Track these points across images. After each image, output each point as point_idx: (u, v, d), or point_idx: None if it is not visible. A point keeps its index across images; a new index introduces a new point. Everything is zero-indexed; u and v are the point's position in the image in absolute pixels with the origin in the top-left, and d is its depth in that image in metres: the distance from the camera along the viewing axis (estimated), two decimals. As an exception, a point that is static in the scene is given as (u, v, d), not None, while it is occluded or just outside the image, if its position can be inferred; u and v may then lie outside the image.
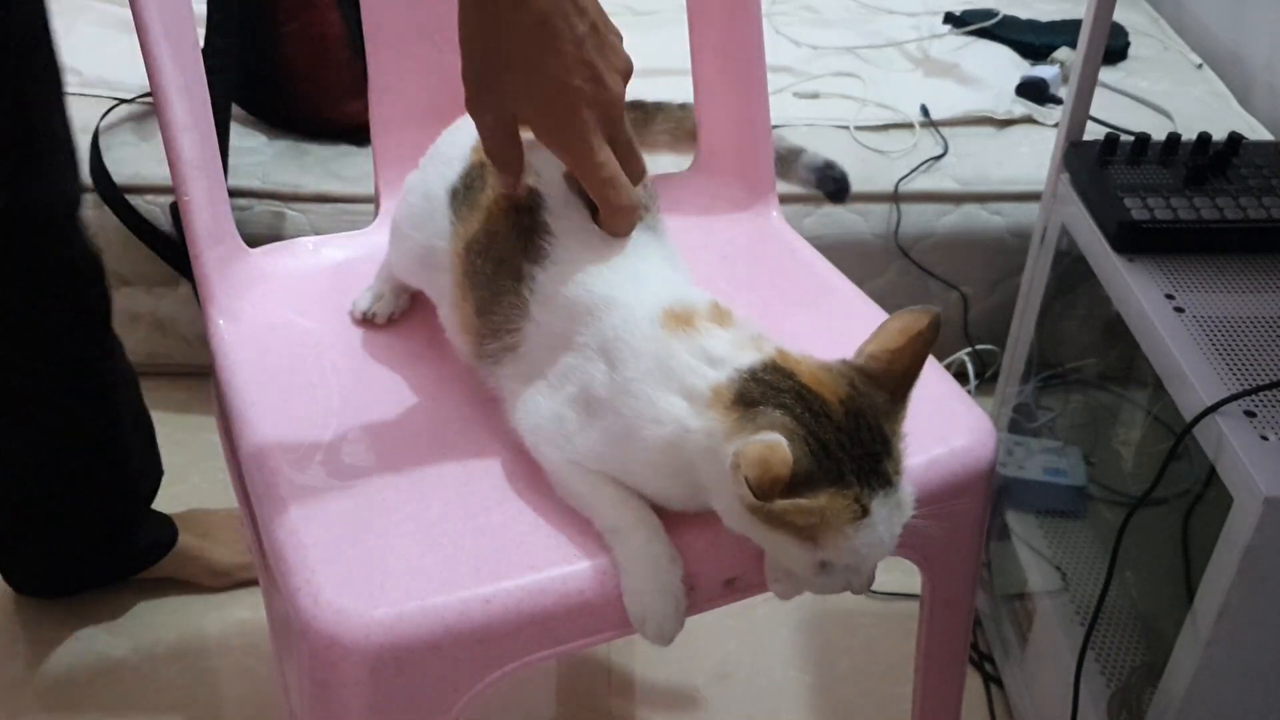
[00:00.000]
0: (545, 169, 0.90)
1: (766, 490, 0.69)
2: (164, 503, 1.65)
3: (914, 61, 2.11)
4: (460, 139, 0.99)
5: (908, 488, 0.76)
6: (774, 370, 0.76)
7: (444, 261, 0.94)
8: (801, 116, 1.90)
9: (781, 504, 0.70)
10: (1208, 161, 1.22)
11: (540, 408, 0.86)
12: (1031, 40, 2.11)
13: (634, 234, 0.89)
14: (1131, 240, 1.15)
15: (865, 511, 0.72)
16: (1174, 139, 1.25)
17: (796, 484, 0.70)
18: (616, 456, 0.82)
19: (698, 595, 0.83)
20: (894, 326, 0.79)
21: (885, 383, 0.77)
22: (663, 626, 0.80)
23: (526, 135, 0.86)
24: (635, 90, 2.10)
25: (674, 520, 0.83)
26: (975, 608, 1.10)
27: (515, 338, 0.88)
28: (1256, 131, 1.89)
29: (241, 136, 1.81)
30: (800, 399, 0.74)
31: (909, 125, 1.89)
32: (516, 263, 0.87)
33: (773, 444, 0.69)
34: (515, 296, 0.87)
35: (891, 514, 0.73)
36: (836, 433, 0.73)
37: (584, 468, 0.84)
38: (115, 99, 1.82)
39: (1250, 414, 0.95)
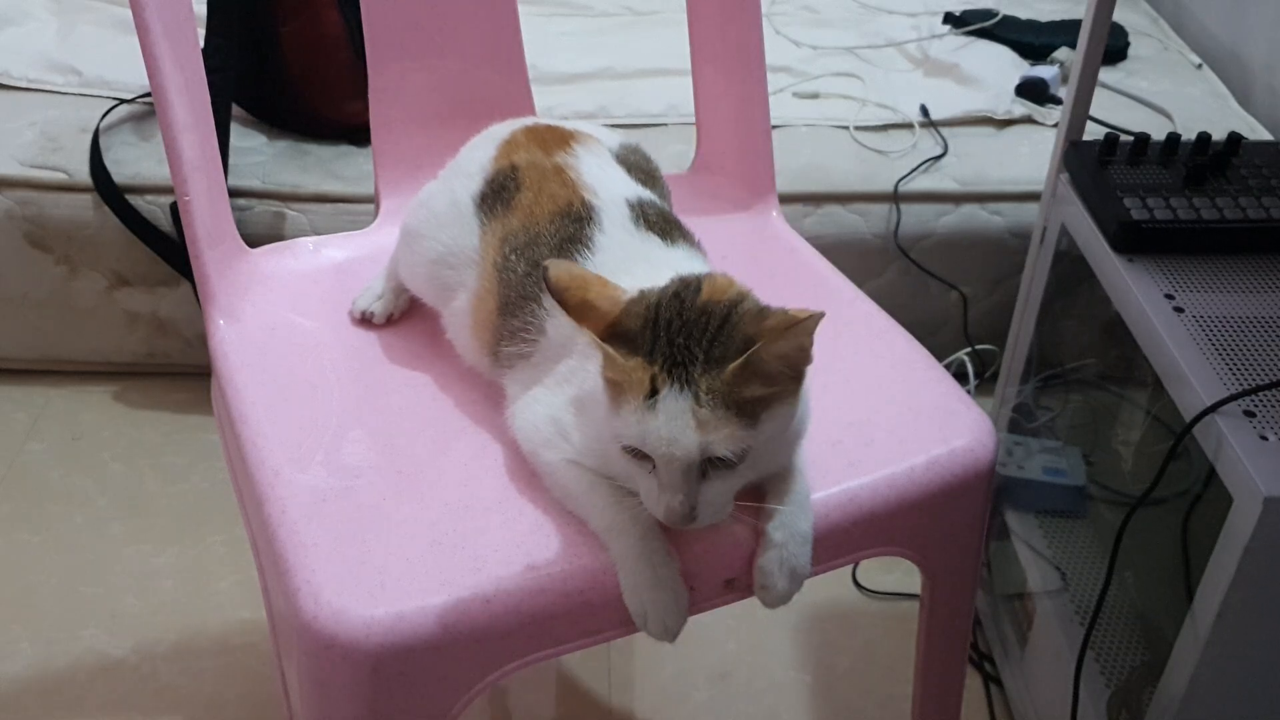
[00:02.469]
0: (605, 189, 0.92)
1: (554, 281, 0.75)
2: (165, 503, 1.66)
3: (914, 61, 2.10)
4: (479, 155, 1.02)
5: (721, 414, 0.73)
6: (685, 281, 0.80)
7: (468, 259, 0.96)
8: (801, 116, 1.90)
9: (596, 340, 0.74)
10: (1207, 161, 1.22)
11: (536, 412, 0.88)
12: (1031, 40, 2.11)
13: (671, 250, 0.91)
14: (1131, 240, 1.15)
15: (654, 391, 0.73)
16: (1174, 139, 1.25)
17: (618, 337, 0.75)
18: (608, 448, 0.82)
19: (697, 595, 0.83)
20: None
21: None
22: (665, 622, 0.80)
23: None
24: (637, 90, 2.11)
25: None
26: (975, 608, 1.10)
27: (531, 347, 0.90)
28: (1256, 131, 1.89)
29: (241, 136, 1.81)
30: (679, 289, 0.78)
31: (909, 125, 1.89)
32: None
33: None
34: (539, 306, 0.89)
35: (678, 416, 0.73)
36: (678, 316, 0.76)
37: (579, 468, 0.84)
38: (115, 99, 1.82)
39: (1250, 414, 0.95)
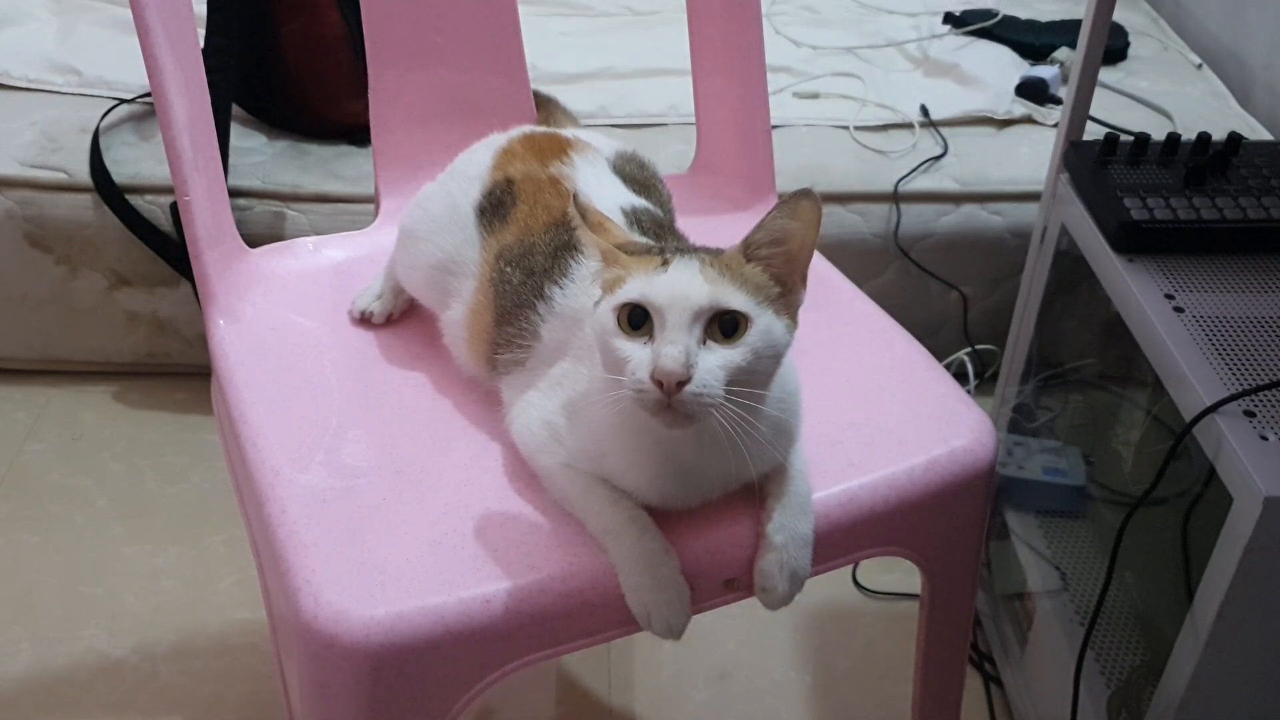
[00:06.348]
0: (600, 198, 0.92)
1: (580, 201, 0.80)
2: (165, 503, 1.66)
3: (914, 61, 2.10)
4: (477, 159, 1.02)
5: (727, 278, 0.76)
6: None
7: (467, 269, 0.96)
8: (801, 116, 1.90)
9: (606, 245, 0.79)
10: (1207, 161, 1.22)
11: (531, 417, 0.88)
12: (1031, 40, 2.11)
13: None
14: (1131, 240, 1.15)
15: (664, 264, 0.77)
16: (1174, 139, 1.25)
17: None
18: (600, 449, 0.83)
19: (698, 595, 0.83)
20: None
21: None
22: (669, 620, 0.80)
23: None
24: (637, 90, 2.11)
25: (672, 524, 0.84)
26: (975, 608, 1.10)
27: (525, 354, 0.90)
28: (1256, 131, 1.89)
29: (241, 136, 1.81)
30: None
31: (909, 125, 1.89)
32: (540, 281, 0.90)
33: None
34: (533, 313, 0.89)
35: (688, 273, 0.76)
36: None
37: (576, 471, 0.85)
38: (115, 99, 1.82)
39: (1250, 414, 0.95)
